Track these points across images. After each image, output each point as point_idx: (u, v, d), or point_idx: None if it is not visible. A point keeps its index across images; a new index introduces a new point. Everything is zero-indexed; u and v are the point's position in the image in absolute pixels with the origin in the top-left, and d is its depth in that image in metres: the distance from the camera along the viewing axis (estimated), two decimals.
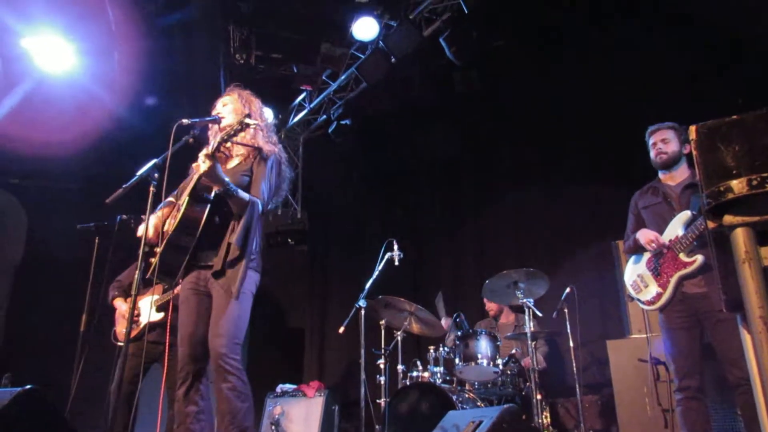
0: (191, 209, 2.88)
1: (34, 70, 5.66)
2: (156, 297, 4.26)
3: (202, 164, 2.80)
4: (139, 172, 2.79)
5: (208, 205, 2.93)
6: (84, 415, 4.26)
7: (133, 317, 2.63)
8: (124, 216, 4.07)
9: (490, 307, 5.83)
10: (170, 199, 3.09)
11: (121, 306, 4.52)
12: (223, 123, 3.15)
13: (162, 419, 3.55)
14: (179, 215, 2.85)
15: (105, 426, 3.80)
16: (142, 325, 4.27)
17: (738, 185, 1.30)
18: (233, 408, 2.76)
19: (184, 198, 2.91)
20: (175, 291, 3.31)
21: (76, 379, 3.74)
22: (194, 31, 6.25)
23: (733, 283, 1.35)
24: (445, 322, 5.55)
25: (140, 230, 2.97)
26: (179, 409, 2.92)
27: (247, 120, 2.84)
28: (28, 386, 2.62)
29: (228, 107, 3.24)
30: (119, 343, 4.43)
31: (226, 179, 2.89)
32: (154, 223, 2.97)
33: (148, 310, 4.26)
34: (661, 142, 3.69)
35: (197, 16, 6.11)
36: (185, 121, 2.85)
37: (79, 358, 3.81)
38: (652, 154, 3.75)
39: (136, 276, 2.65)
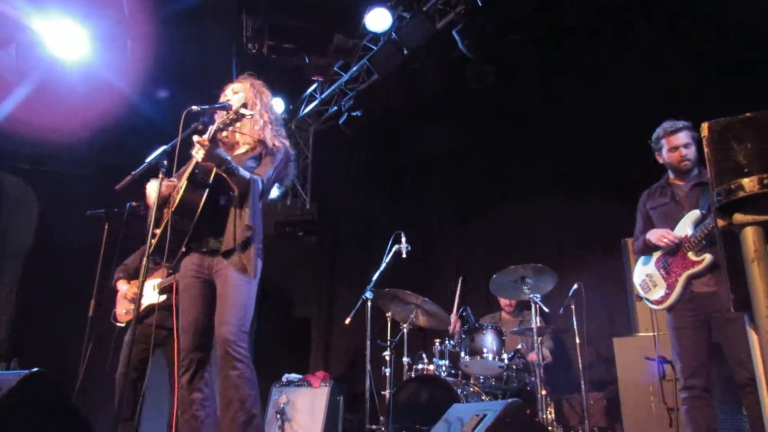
0: (190, 193, 2.86)
1: (47, 56, 5.67)
2: (159, 280, 4.28)
3: (196, 154, 2.80)
4: (148, 159, 2.79)
5: (207, 190, 2.91)
6: (92, 398, 4.29)
7: (139, 302, 2.63)
8: (134, 203, 4.08)
9: (504, 301, 5.83)
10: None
11: (123, 287, 4.55)
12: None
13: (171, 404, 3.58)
14: (178, 198, 2.84)
15: (113, 412, 3.84)
16: (142, 308, 4.26)
17: (749, 183, 1.29)
18: (242, 395, 2.76)
19: (183, 182, 2.90)
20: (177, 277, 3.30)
21: (84, 362, 3.77)
22: (207, 20, 6.25)
23: (742, 282, 1.33)
24: (454, 318, 5.49)
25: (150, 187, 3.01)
26: (183, 397, 2.92)
27: (242, 110, 2.78)
28: (35, 368, 2.64)
29: (239, 95, 3.20)
30: (119, 324, 4.47)
31: (228, 157, 2.86)
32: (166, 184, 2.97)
33: (150, 293, 4.28)
34: (685, 147, 3.57)
35: (210, 4, 6.11)
36: (195, 107, 2.85)
37: (87, 342, 3.84)
38: (669, 157, 3.63)
39: (144, 260, 2.65)
